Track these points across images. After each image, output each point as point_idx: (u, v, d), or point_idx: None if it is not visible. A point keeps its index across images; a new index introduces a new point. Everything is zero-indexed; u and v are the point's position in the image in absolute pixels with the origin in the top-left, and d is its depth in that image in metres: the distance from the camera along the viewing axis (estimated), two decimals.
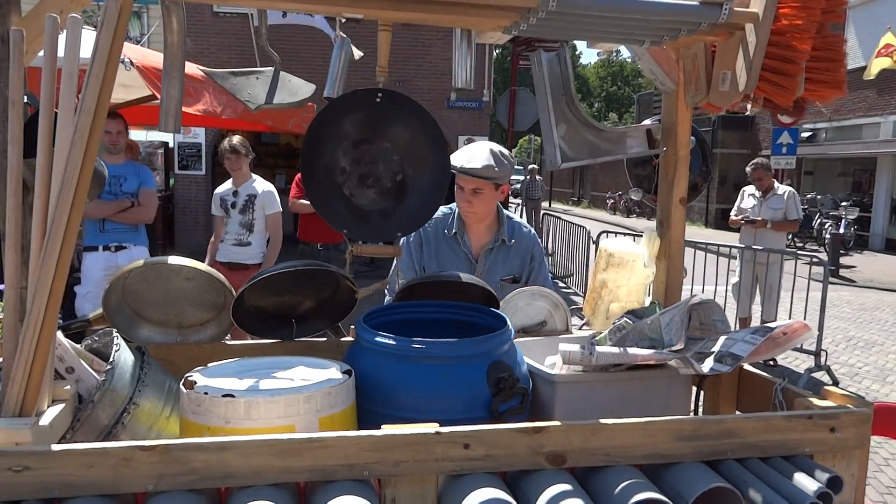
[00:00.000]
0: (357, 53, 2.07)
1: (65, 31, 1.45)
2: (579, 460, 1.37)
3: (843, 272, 14.31)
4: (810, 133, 21.13)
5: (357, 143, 2.02)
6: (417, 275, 2.71)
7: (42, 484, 1.17)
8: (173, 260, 1.83)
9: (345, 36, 2.03)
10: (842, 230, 16.18)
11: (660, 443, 1.40)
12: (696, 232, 18.97)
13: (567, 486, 1.30)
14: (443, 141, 2.02)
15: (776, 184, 7.21)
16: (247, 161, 5.44)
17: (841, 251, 15.28)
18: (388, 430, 1.31)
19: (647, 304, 2.16)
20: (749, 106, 1.82)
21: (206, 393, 1.41)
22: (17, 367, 1.31)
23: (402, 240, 2.82)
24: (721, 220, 24.15)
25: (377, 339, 1.66)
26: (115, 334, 1.66)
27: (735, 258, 7.52)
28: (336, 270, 1.89)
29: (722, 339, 1.80)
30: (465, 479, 1.33)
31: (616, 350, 1.71)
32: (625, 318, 1.97)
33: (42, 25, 1.47)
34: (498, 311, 1.92)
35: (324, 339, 2.05)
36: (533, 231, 2.94)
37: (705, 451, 1.42)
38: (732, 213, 7.38)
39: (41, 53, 1.52)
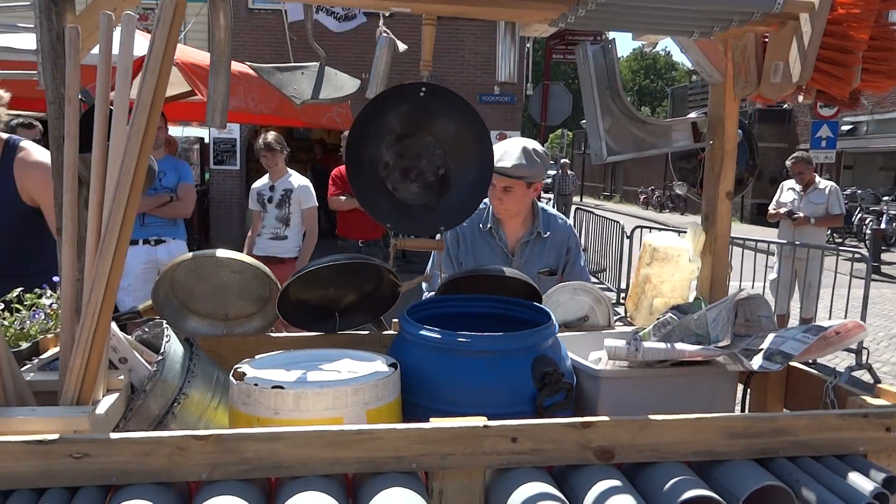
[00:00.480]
0: (402, 46, 2.07)
1: (119, 27, 1.48)
2: (627, 456, 1.36)
3: (884, 269, 13.96)
4: (851, 126, 20.64)
5: (400, 137, 2.03)
6: (454, 269, 2.71)
7: (100, 471, 1.20)
8: (221, 253, 1.86)
9: (388, 32, 2.04)
10: (883, 225, 15.80)
11: (710, 440, 1.38)
12: (731, 227, 18.61)
13: (616, 482, 1.29)
14: (486, 136, 2.02)
15: (817, 178, 7.06)
16: (282, 157, 5.50)
17: (882, 247, 14.91)
18: (436, 423, 1.31)
19: (690, 299, 2.13)
20: (800, 98, 1.78)
21: (255, 384, 1.42)
22: (75, 358, 1.34)
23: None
24: (757, 216, 23.74)
25: (422, 332, 1.66)
26: (165, 325, 1.69)
27: (773, 254, 7.38)
28: (380, 264, 1.90)
29: (771, 336, 1.77)
30: (512, 473, 1.33)
31: (662, 346, 1.69)
32: (669, 314, 1.95)
33: (96, 22, 1.49)
34: (541, 306, 1.91)
35: (366, 332, 2.06)
36: (569, 222, 2.93)
37: (756, 448, 1.40)
38: (771, 207, 7.25)
39: (95, 50, 1.55)
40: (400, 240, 1.95)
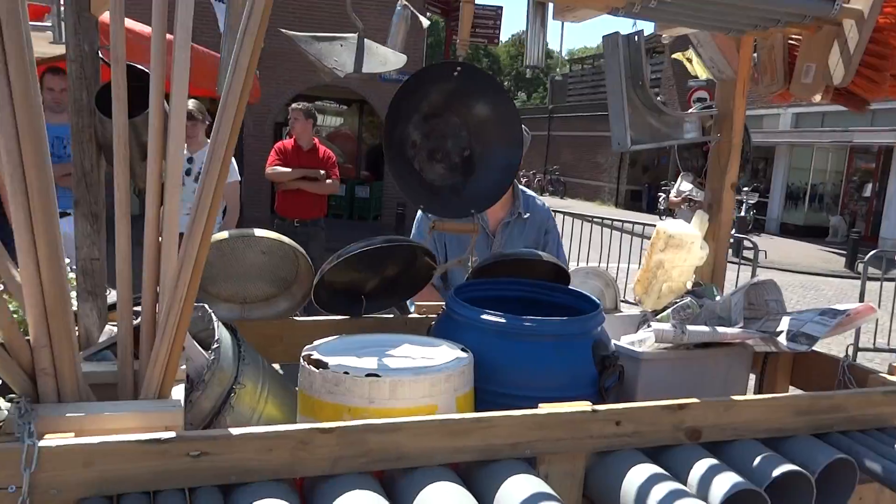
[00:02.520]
0: (425, 22, 2.02)
1: None
2: (712, 435, 1.43)
3: (745, 253, 15.26)
4: None
5: (428, 116, 1.98)
6: (437, 250, 2.69)
7: (219, 469, 1.11)
8: (259, 232, 1.74)
9: (408, 5, 1.98)
10: (742, 213, 17.21)
11: (780, 418, 1.48)
12: (607, 211, 19.63)
13: (714, 461, 1.35)
14: (516, 120, 2.01)
15: None
16: (203, 127, 5.18)
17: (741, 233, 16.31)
18: (547, 408, 1.31)
19: (689, 284, 2.24)
20: (818, 97, 1.91)
21: (346, 372, 1.36)
22: (160, 349, 1.22)
23: (419, 215, 2.80)
24: (631, 201, 25.12)
25: (483, 316, 1.64)
26: (208, 310, 1.57)
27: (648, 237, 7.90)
28: (417, 246, 1.86)
29: (786, 318, 1.90)
30: (614, 455, 1.36)
31: (706, 329, 1.78)
32: (688, 299, 2.05)
33: None
34: (573, 289, 1.95)
35: (390, 315, 2.01)
36: (546, 205, 2.98)
37: (815, 424, 1.51)
38: (672, 195, 7.70)
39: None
40: (438, 222, 1.91)
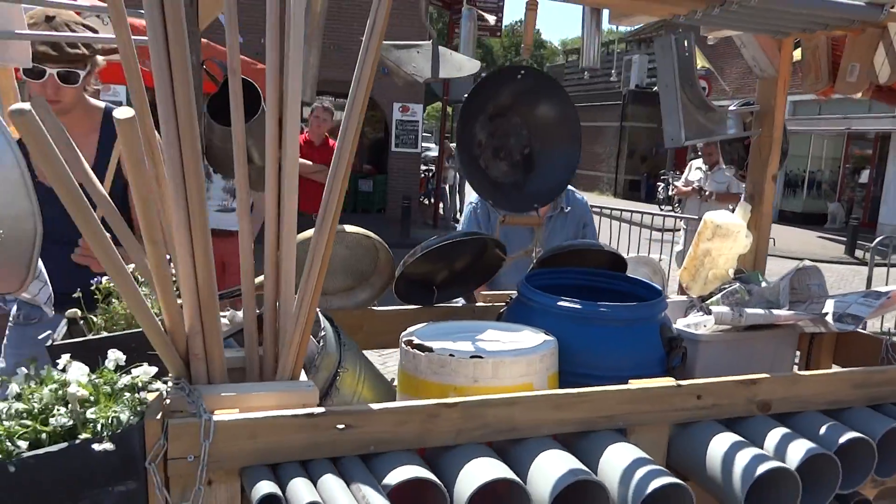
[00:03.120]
0: (491, 19, 2.14)
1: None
2: (781, 407, 1.57)
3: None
4: None
5: (492, 117, 2.11)
6: None
7: (360, 441, 1.24)
8: (348, 228, 1.87)
9: (473, 6, 2.11)
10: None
11: (839, 391, 1.62)
12: (606, 201, 19.78)
13: (786, 430, 1.49)
14: (575, 118, 2.14)
15: (721, 160, 7.69)
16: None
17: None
18: (637, 384, 1.45)
19: (730, 272, 2.38)
20: (859, 95, 2.04)
21: (451, 355, 1.49)
22: (295, 333, 1.35)
23: (467, 210, 2.93)
24: (630, 191, 25.27)
25: (560, 303, 1.78)
26: None
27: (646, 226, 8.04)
28: (488, 237, 1.99)
29: (830, 301, 2.05)
30: (695, 426, 1.50)
31: (762, 311, 1.92)
32: (736, 284, 2.19)
33: None
34: (630, 276, 2.09)
35: (459, 303, 2.14)
36: (584, 198, 3.12)
37: (870, 396, 1.65)
38: (680, 184, 7.84)
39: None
40: (508, 216, 2.05)
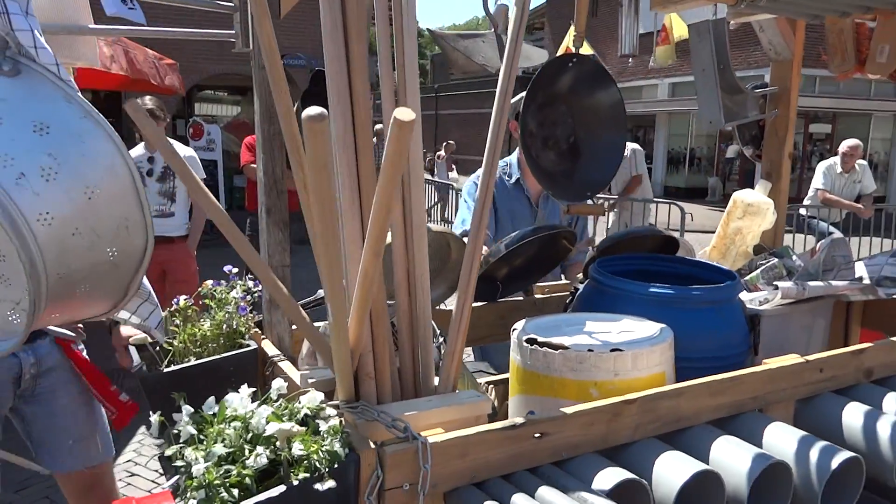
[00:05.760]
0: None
1: None
2: (880, 373, 1.65)
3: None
4: None
5: (541, 106, 2.09)
6: (492, 222, 2.77)
7: (554, 448, 1.20)
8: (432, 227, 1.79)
9: None
10: None
11: None
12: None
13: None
14: (621, 107, 2.15)
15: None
16: (164, 125, 4.96)
17: None
18: (774, 363, 1.48)
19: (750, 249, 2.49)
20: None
21: (590, 350, 1.46)
22: (458, 341, 1.28)
23: (465, 191, 2.87)
24: None
25: (651, 289, 1.79)
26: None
27: None
28: (562, 230, 1.97)
29: (860, 265, 2.18)
30: (819, 398, 1.55)
31: (822, 284, 2.01)
32: (774, 260, 2.28)
33: None
34: (686, 258, 2.13)
35: (520, 298, 2.11)
36: None
37: None
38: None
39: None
40: (571, 206, 2.03)
